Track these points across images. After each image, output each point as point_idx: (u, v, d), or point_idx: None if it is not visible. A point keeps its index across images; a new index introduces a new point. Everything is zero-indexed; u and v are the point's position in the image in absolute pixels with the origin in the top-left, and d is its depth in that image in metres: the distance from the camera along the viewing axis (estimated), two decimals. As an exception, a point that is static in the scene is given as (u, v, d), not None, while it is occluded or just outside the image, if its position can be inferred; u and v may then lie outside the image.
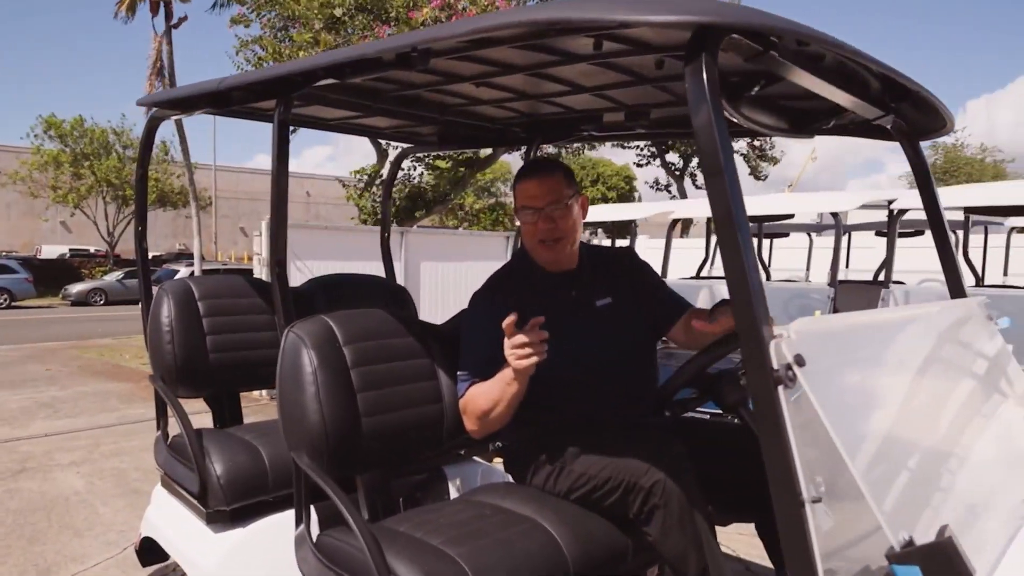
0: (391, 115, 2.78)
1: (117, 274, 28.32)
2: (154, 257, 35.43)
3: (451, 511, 2.10)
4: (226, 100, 2.38)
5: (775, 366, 1.05)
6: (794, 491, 1.05)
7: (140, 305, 3.02)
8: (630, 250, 2.54)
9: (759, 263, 7.02)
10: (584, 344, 2.20)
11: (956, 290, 2.01)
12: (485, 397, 2.08)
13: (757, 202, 6.17)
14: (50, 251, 36.13)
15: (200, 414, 2.98)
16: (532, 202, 2.21)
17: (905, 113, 1.94)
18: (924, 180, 2.06)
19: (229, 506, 2.43)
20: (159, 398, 2.88)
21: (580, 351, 2.17)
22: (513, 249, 7.54)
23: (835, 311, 4.58)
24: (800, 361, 1.03)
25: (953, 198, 4.98)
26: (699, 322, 2.08)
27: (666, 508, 1.83)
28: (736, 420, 2.08)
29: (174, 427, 2.74)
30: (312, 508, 2.14)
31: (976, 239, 8.30)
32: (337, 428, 2.00)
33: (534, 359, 1.87)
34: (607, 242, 13.68)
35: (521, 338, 1.87)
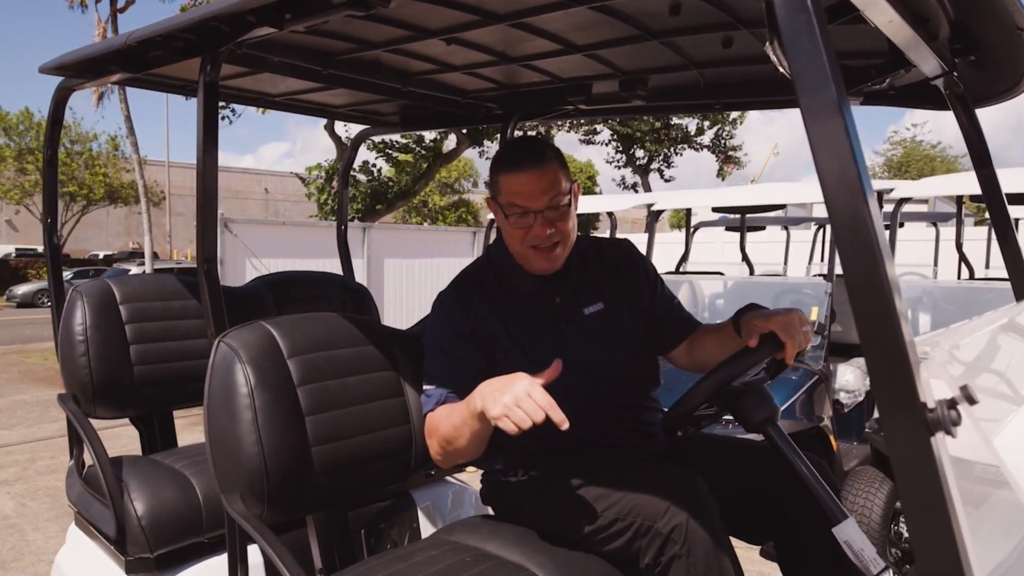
0: (348, 85, 2.38)
1: (66, 274, 27.23)
2: (106, 256, 34.35)
3: (424, 558, 1.73)
4: (141, 61, 1.95)
5: (930, 403, 0.70)
6: None
7: (51, 311, 2.57)
8: (626, 243, 2.15)
9: (745, 258, 6.81)
10: (571, 362, 1.80)
11: (1022, 290, 1.68)
12: (448, 423, 1.70)
13: (746, 192, 5.88)
14: (-6, 251, 34.68)
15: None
16: (527, 202, 1.77)
17: (966, 73, 1.62)
18: (981, 156, 1.73)
19: (153, 552, 2.03)
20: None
21: (566, 370, 1.77)
22: (484, 245, 7.20)
23: (832, 309, 4.29)
24: (969, 396, 0.68)
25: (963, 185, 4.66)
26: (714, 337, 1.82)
27: (689, 558, 1.49)
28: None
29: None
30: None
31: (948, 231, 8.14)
32: (280, 462, 1.62)
33: (518, 428, 1.42)
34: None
35: (540, 397, 1.41)
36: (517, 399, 1.42)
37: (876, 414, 3.89)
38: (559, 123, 17.54)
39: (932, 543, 0.70)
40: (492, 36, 1.91)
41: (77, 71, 2.19)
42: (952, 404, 0.69)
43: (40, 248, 34.51)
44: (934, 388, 0.68)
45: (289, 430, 1.66)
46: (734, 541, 1.66)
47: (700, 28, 1.76)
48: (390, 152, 15.01)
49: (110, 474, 2.09)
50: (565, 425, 1.39)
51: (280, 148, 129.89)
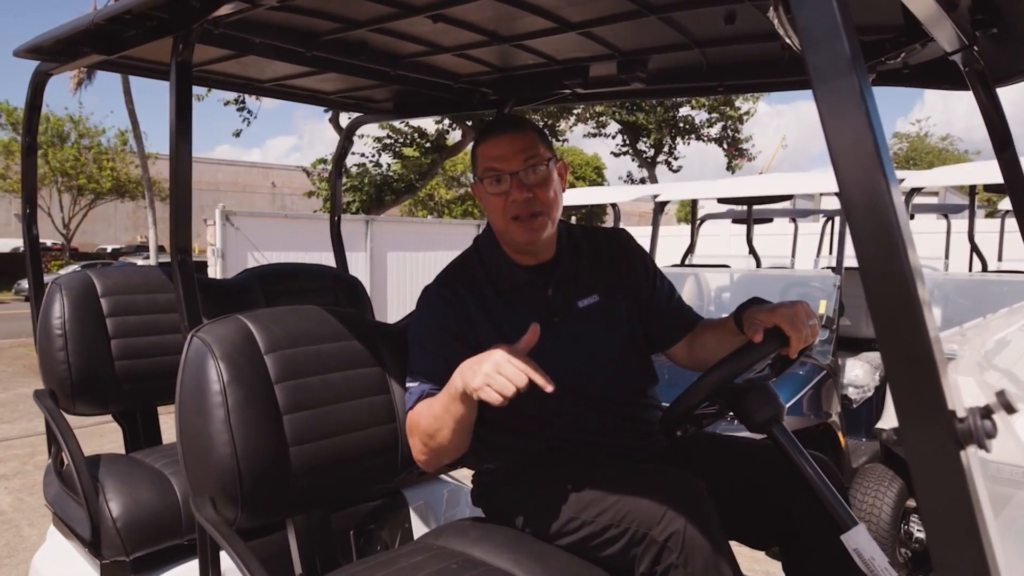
0: (335, 68, 2.29)
1: (73, 267, 27.38)
2: (113, 250, 34.44)
3: (408, 564, 1.64)
4: (113, 41, 1.86)
5: (959, 412, 0.59)
6: None
7: (30, 305, 2.49)
8: (623, 233, 2.04)
9: (752, 250, 6.69)
10: (564, 357, 1.73)
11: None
12: (428, 415, 1.64)
13: (753, 183, 5.76)
14: (2, 244, 34.74)
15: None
16: (502, 164, 1.72)
17: (987, 48, 1.50)
18: (1002, 139, 1.61)
19: (129, 555, 1.95)
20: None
21: (560, 366, 1.66)
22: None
23: (841, 302, 4.17)
24: (1007, 404, 0.58)
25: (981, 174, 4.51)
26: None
27: (686, 567, 1.40)
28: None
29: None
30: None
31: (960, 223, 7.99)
32: (254, 464, 1.53)
33: (501, 396, 1.40)
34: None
35: (521, 362, 1.40)
36: (497, 366, 1.40)
37: (884, 416, 3.77)
38: (565, 116, 17.39)
39: (958, 569, 0.60)
40: (481, 13, 1.81)
41: (51, 54, 2.09)
42: (987, 413, 0.58)
43: (50, 242, 34.62)
44: (964, 393, 0.58)
45: (265, 429, 1.57)
46: (737, 545, 1.57)
47: (701, 1, 1.66)
48: (395, 147, 14.93)
49: (84, 473, 2.01)
50: (550, 388, 1.38)
51: (287, 142, 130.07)
